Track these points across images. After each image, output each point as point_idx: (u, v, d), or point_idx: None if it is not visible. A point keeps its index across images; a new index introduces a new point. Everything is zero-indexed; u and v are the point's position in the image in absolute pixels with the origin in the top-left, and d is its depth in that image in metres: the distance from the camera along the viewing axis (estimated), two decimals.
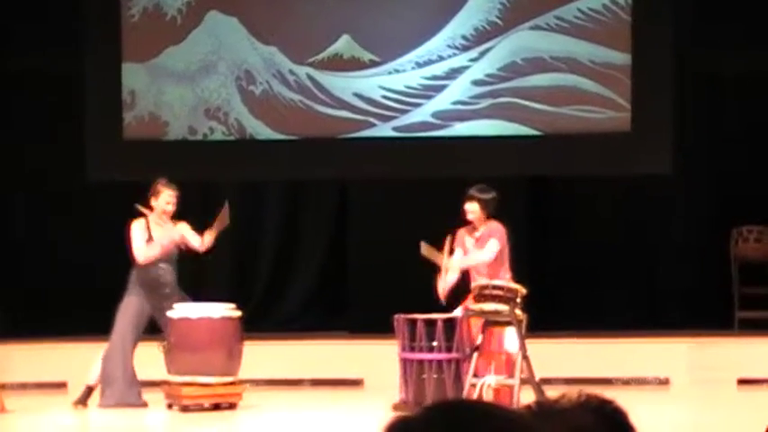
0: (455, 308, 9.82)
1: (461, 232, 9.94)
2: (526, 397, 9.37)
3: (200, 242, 10.13)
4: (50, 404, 10.49)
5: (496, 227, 9.85)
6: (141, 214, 10.16)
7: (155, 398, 9.99)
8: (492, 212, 9.87)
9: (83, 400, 10.06)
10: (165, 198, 10.13)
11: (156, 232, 10.14)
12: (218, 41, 12.87)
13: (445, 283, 9.74)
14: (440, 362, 9.49)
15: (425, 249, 9.77)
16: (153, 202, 10.16)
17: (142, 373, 10.05)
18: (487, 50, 12.60)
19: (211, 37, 12.89)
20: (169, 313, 9.91)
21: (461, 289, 9.87)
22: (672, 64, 12.48)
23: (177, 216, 10.29)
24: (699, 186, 12.83)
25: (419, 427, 1.31)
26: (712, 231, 12.74)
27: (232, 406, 9.88)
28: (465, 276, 9.93)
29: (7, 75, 13.03)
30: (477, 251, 9.82)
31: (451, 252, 9.83)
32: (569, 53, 12.54)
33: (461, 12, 12.62)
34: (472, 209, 9.82)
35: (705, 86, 12.80)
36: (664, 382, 11.54)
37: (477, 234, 9.88)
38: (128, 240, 10.10)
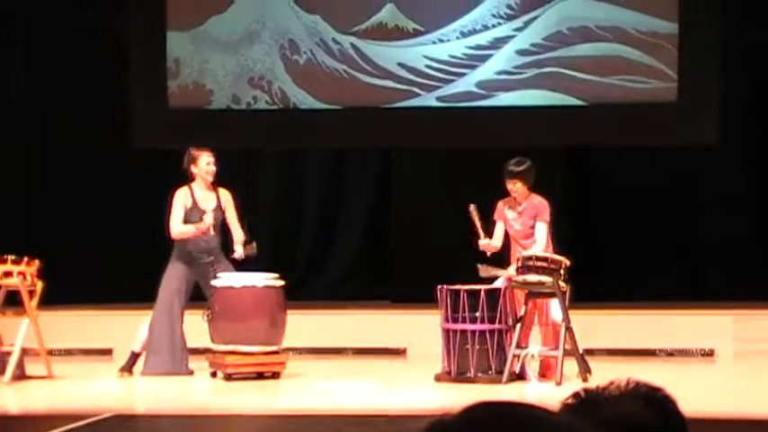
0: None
1: (501, 205, 9.90)
2: (569, 368, 9.37)
3: (239, 236, 10.15)
4: (96, 371, 10.59)
5: (540, 202, 9.79)
6: (184, 182, 10.20)
7: (199, 366, 10.06)
8: (533, 182, 9.83)
9: (128, 368, 10.14)
10: (205, 160, 10.15)
11: (201, 197, 10.17)
12: (262, 10, 12.88)
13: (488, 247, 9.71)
14: (483, 332, 9.48)
15: (483, 270, 9.66)
16: (193, 169, 10.19)
17: (187, 341, 10.11)
18: (533, 20, 12.52)
19: (255, 5, 12.90)
20: (213, 282, 9.95)
21: (502, 259, 9.85)
22: (719, 33, 12.35)
23: (221, 183, 10.32)
24: (745, 156, 12.72)
25: None
26: (758, 202, 12.64)
27: (275, 375, 9.93)
28: (506, 247, 9.90)
29: (54, 42, 13.10)
30: (527, 240, 9.74)
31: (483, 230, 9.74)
32: (615, 22, 12.44)
33: None
34: (515, 187, 9.76)
35: (752, 55, 12.66)
36: (708, 354, 11.48)
37: (520, 208, 9.84)
38: (169, 209, 10.14)
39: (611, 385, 1.73)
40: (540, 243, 9.72)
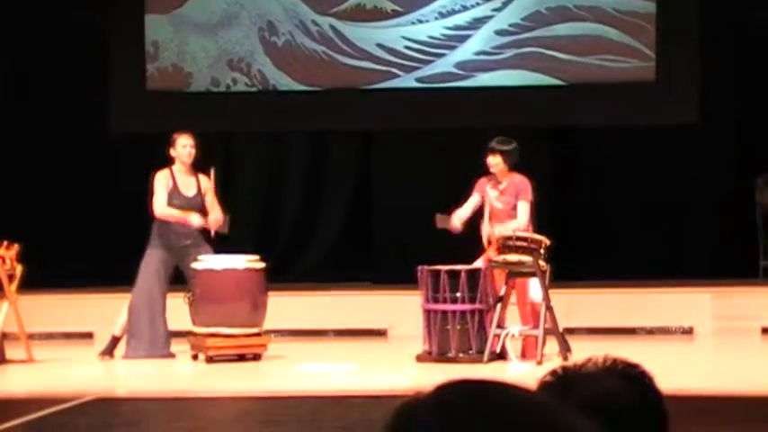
0: (476, 258, 9.82)
1: (483, 181, 9.91)
2: (550, 348, 9.41)
3: (216, 215, 10.11)
4: (76, 354, 10.58)
5: (521, 181, 9.81)
6: (166, 164, 10.19)
7: (180, 348, 10.06)
8: (514, 163, 9.84)
9: (109, 351, 10.13)
10: (182, 143, 10.14)
11: (182, 181, 10.17)
12: None
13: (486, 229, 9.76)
14: (463, 313, 9.51)
15: (440, 221, 9.74)
16: (172, 153, 10.19)
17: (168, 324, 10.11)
18: (511, 0, 12.52)
19: None
20: (193, 265, 9.94)
21: (478, 238, 9.86)
22: (697, 12, 12.37)
23: (202, 166, 10.31)
24: (724, 135, 12.76)
25: (428, 416, 1.26)
26: (737, 180, 12.69)
27: (257, 357, 9.94)
28: (476, 223, 9.91)
29: (31, 26, 13.04)
30: (510, 220, 9.76)
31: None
32: (594, 2, 12.45)
33: None
34: (495, 162, 9.79)
35: (730, 34, 12.68)
36: (687, 332, 11.55)
37: (501, 186, 9.85)
38: (151, 191, 10.13)
39: (588, 362, 1.74)
40: (521, 221, 9.73)
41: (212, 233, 10.12)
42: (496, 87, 12.50)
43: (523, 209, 9.76)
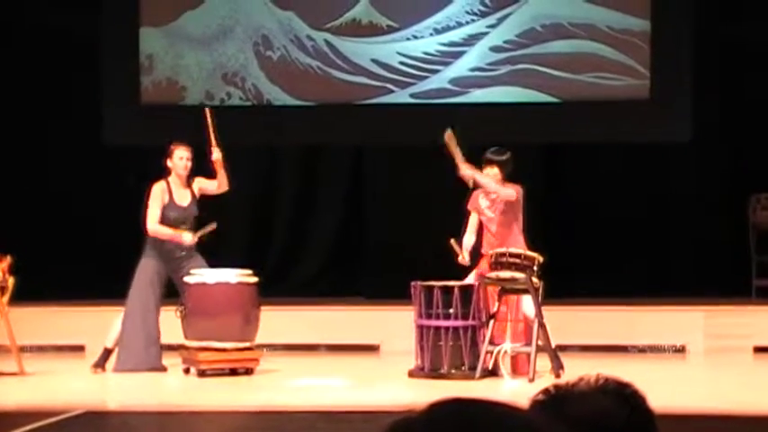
0: (468, 273, 9.83)
1: (475, 193, 9.94)
2: (542, 365, 9.40)
3: (216, 185, 10.17)
4: (68, 367, 10.56)
5: (513, 187, 9.83)
6: (161, 177, 10.20)
7: (172, 362, 10.04)
8: (509, 173, 9.86)
9: (101, 363, 10.11)
10: (179, 155, 10.16)
11: (177, 193, 10.17)
12: (236, 6, 12.86)
13: (467, 243, 9.77)
14: (456, 329, 9.51)
15: (448, 137, 9.74)
16: (169, 164, 10.21)
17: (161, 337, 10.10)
18: (506, 17, 12.55)
19: (229, 1, 12.88)
20: (186, 278, 9.93)
21: (473, 254, 9.86)
22: (691, 30, 12.41)
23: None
24: (717, 154, 12.79)
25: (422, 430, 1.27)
26: (730, 199, 12.71)
27: (249, 371, 9.93)
28: (477, 242, 9.92)
29: (25, 37, 13.04)
30: (501, 229, 9.76)
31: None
32: (588, 19, 12.49)
33: None
34: (492, 173, 9.80)
35: (724, 53, 12.72)
36: (680, 350, 11.54)
37: (493, 195, 9.86)
38: (145, 203, 10.13)
39: (580, 381, 1.74)
40: (508, 192, 9.64)
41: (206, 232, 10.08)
42: (491, 104, 12.52)
43: (510, 189, 9.69)
